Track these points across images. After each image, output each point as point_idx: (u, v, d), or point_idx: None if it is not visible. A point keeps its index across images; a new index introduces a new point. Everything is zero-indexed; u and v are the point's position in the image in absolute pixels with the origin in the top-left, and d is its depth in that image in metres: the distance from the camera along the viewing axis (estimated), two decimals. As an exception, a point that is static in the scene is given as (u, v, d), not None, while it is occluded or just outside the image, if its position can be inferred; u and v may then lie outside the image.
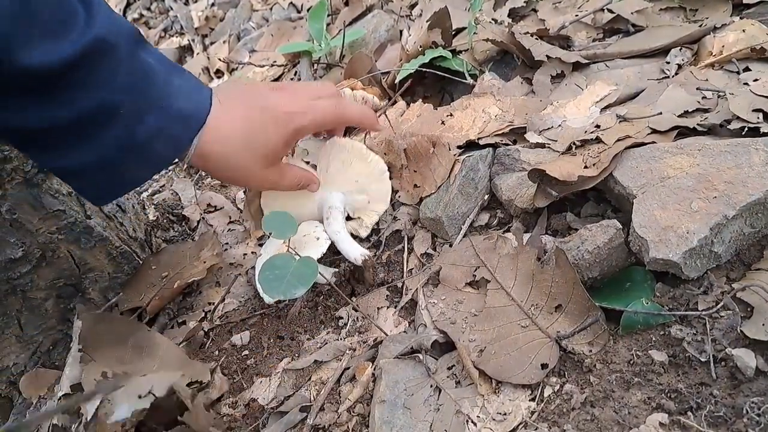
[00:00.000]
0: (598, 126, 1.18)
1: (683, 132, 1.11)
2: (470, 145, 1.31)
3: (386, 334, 1.11)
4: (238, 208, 1.74)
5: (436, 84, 1.67)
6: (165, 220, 1.69)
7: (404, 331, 1.11)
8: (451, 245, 1.21)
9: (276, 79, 2.18)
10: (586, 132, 1.18)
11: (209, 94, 0.96)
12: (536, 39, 1.51)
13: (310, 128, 1.07)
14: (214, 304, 1.38)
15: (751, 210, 0.91)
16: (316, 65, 2.04)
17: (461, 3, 1.82)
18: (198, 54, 2.69)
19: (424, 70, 1.57)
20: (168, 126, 0.90)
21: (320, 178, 1.22)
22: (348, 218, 1.24)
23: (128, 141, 0.87)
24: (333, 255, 1.36)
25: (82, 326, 1.24)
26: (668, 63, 1.35)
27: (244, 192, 1.55)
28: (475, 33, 1.59)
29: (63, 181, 0.96)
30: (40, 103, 0.80)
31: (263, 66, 2.26)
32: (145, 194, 1.92)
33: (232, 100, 1.00)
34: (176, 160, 0.96)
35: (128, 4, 3.44)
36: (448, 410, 0.92)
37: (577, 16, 1.58)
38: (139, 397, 1.07)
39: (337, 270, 1.26)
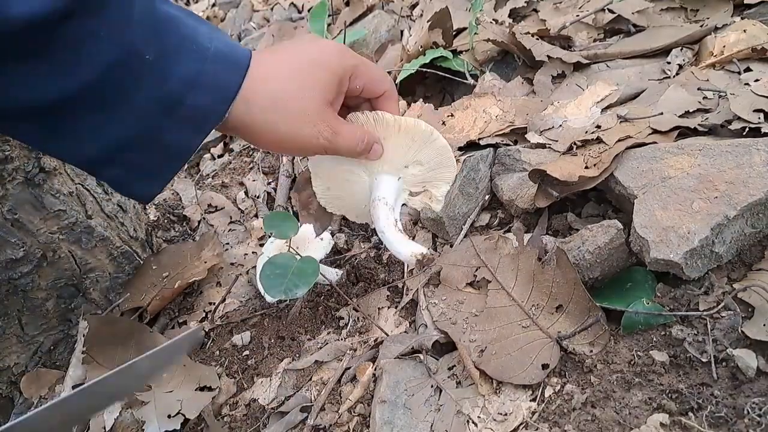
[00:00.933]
0: (599, 126, 1.18)
1: (684, 132, 1.11)
2: (471, 146, 1.31)
3: (387, 335, 1.11)
4: (239, 209, 1.74)
5: (436, 84, 1.67)
6: (166, 220, 1.69)
7: (405, 332, 1.11)
8: (451, 245, 1.21)
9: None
10: (587, 132, 1.18)
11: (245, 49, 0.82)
12: (537, 39, 1.51)
13: (363, 71, 0.90)
14: (214, 304, 1.38)
15: (752, 210, 0.91)
16: (316, 65, 2.03)
17: (462, 3, 1.82)
18: (199, 54, 2.68)
19: (424, 70, 1.58)
20: (207, 70, 0.77)
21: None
22: (412, 194, 1.04)
23: (162, 95, 0.75)
24: (334, 255, 1.36)
25: (88, 328, 1.25)
26: (669, 63, 1.35)
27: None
28: (476, 33, 1.59)
29: (104, 179, 0.81)
30: (49, 64, 0.67)
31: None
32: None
33: (270, 50, 0.87)
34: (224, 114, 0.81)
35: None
36: (448, 410, 0.92)
37: (578, 16, 1.58)
38: (169, 416, 1.08)
39: (342, 272, 1.27)
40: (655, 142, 1.08)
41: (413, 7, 2.10)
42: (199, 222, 1.72)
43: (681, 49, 1.37)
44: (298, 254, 1.08)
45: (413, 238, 1.28)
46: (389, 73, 1.68)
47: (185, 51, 0.76)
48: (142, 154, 0.77)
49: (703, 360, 0.86)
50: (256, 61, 0.81)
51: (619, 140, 1.10)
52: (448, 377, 0.97)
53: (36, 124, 0.72)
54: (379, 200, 0.96)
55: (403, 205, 1.01)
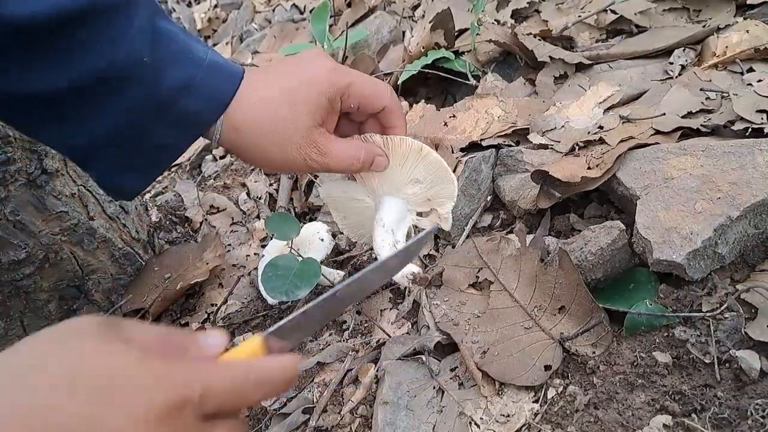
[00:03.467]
0: (601, 127, 1.18)
1: (687, 133, 1.11)
2: (473, 147, 1.31)
3: (389, 336, 1.11)
4: (241, 210, 1.74)
5: (438, 85, 1.67)
6: (168, 222, 1.69)
7: (407, 333, 1.11)
8: (453, 246, 1.21)
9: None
10: (589, 133, 1.18)
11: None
12: (539, 40, 1.50)
13: (356, 89, 0.86)
14: (216, 305, 1.38)
15: (755, 211, 0.91)
16: (318, 66, 2.03)
17: (464, 4, 1.82)
18: (201, 55, 2.69)
19: (426, 71, 1.57)
20: (202, 76, 0.78)
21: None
22: (420, 215, 1.00)
23: (155, 96, 0.76)
24: (335, 256, 1.36)
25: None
26: (672, 64, 1.35)
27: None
28: (478, 34, 1.59)
29: (92, 171, 0.81)
30: (42, 62, 0.69)
31: (266, 67, 2.26)
32: (147, 195, 1.92)
33: (263, 69, 0.87)
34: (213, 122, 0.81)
35: (131, 6, 3.45)
36: (451, 412, 0.92)
37: (580, 16, 1.57)
38: None
39: (344, 273, 1.26)
40: (658, 143, 1.08)
41: (415, 7, 2.10)
42: (201, 223, 1.72)
43: (683, 50, 1.37)
44: (300, 255, 1.08)
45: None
46: (391, 74, 1.68)
47: (181, 58, 0.77)
48: (131, 150, 0.78)
49: (706, 361, 0.86)
50: (248, 79, 0.82)
51: (621, 141, 1.10)
52: (451, 379, 0.97)
53: (28, 112, 0.74)
54: (377, 222, 0.94)
55: (415, 227, 0.99)
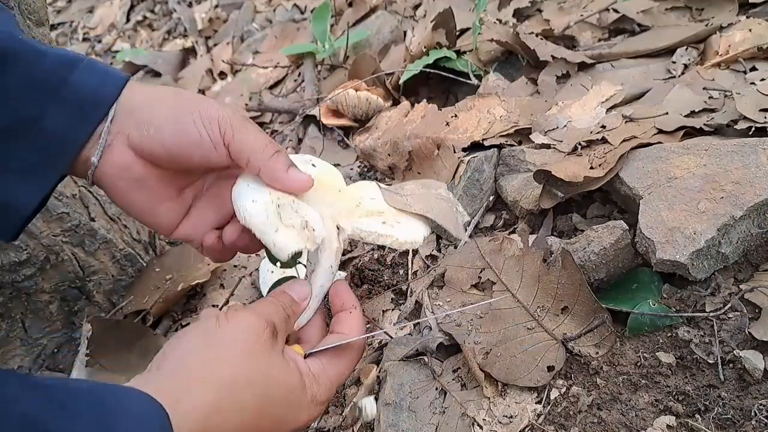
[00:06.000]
0: (603, 126, 1.17)
1: (690, 132, 1.11)
2: (475, 146, 1.30)
3: (391, 337, 1.11)
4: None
5: (440, 85, 1.67)
6: (169, 223, 1.68)
7: (409, 334, 1.10)
8: (456, 247, 1.21)
9: (279, 81, 2.18)
10: (591, 132, 1.18)
11: None
12: (541, 39, 1.50)
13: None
14: (218, 306, 1.37)
15: (758, 210, 0.91)
16: (319, 66, 2.04)
17: (465, 3, 1.82)
18: (201, 56, 2.69)
19: (428, 70, 1.57)
20: (88, 60, 0.73)
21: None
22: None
23: (40, 74, 0.68)
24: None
25: (92, 331, 1.24)
26: (674, 63, 1.34)
27: None
28: (479, 33, 1.59)
29: None
30: None
31: (266, 68, 2.26)
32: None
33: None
34: None
35: (132, 6, 3.46)
36: (453, 413, 0.91)
37: (582, 16, 1.57)
38: None
39: (346, 273, 1.26)
40: (661, 142, 1.08)
41: (416, 7, 2.09)
42: (202, 224, 1.71)
43: (686, 49, 1.37)
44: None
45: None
46: (392, 73, 1.68)
47: (60, 49, 0.72)
48: (21, 147, 0.69)
49: (710, 361, 0.85)
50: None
51: (624, 140, 1.10)
52: (453, 379, 0.97)
53: None
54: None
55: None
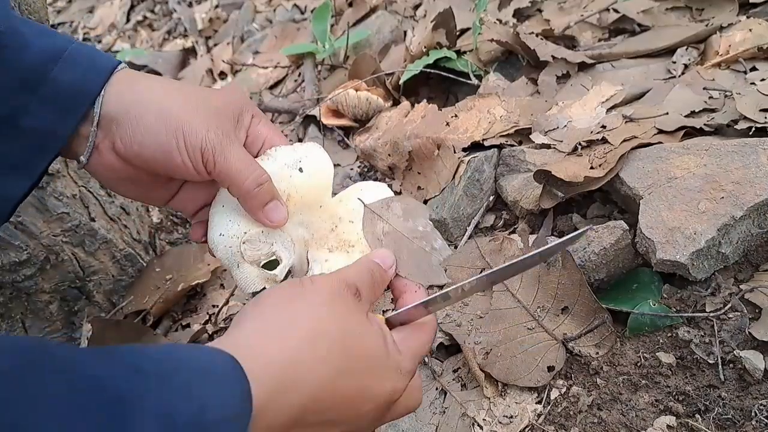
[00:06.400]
0: (604, 126, 1.17)
1: (690, 132, 1.11)
2: (475, 146, 1.30)
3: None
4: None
5: (440, 85, 1.67)
6: (169, 223, 1.69)
7: (409, 334, 1.10)
8: (456, 247, 1.21)
9: (279, 81, 2.18)
10: (591, 132, 1.18)
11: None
12: (541, 39, 1.50)
13: (263, 120, 0.80)
14: (218, 306, 1.37)
15: (759, 210, 0.91)
16: (320, 66, 2.03)
17: (466, 3, 1.81)
18: (202, 56, 2.69)
19: (428, 71, 1.57)
20: (75, 46, 0.70)
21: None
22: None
23: (20, 68, 0.67)
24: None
25: (92, 331, 1.24)
26: (674, 63, 1.34)
27: None
28: (479, 33, 1.59)
29: None
30: None
31: (267, 68, 2.26)
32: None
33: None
34: None
35: (132, 6, 3.45)
36: (453, 413, 0.91)
37: (582, 16, 1.57)
38: None
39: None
40: (661, 142, 1.08)
41: (416, 7, 2.09)
42: (202, 224, 1.71)
43: (686, 49, 1.37)
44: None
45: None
46: (392, 73, 1.68)
47: (47, 32, 0.69)
48: (2, 143, 0.69)
49: (710, 361, 0.85)
50: (132, 71, 0.73)
51: (624, 140, 1.10)
52: (453, 380, 0.97)
53: None
54: None
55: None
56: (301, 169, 0.79)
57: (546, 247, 0.68)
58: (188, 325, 1.37)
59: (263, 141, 0.78)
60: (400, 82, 1.63)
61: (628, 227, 0.98)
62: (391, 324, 0.70)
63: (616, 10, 1.54)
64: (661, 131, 1.11)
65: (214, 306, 1.39)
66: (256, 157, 0.77)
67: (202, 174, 0.71)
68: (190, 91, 0.73)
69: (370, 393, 0.62)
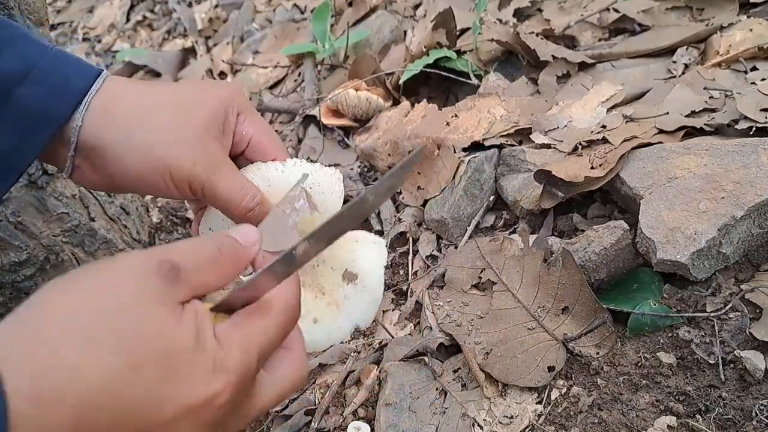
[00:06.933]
0: (604, 126, 1.17)
1: (690, 132, 1.10)
2: (475, 146, 1.30)
3: (392, 337, 1.10)
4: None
5: (440, 85, 1.66)
6: (169, 223, 1.68)
7: (409, 334, 1.10)
8: (456, 247, 1.21)
9: (279, 81, 2.18)
10: (592, 132, 1.17)
11: None
12: (541, 39, 1.50)
13: (253, 118, 0.75)
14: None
15: (759, 210, 0.91)
16: (319, 66, 2.03)
17: (466, 3, 1.81)
18: (201, 56, 2.69)
19: (428, 70, 1.57)
20: (45, 63, 0.65)
21: None
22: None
23: None
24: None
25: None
26: (675, 62, 1.34)
27: None
28: (479, 33, 1.59)
29: None
30: None
31: (266, 68, 2.26)
32: (148, 196, 1.91)
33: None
34: None
35: (132, 6, 3.45)
36: (454, 413, 0.91)
37: (582, 15, 1.57)
38: None
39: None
40: (661, 142, 1.08)
41: (416, 7, 2.09)
42: (202, 224, 1.71)
43: (687, 49, 1.37)
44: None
45: (418, 240, 1.28)
46: (392, 73, 1.68)
47: (16, 42, 0.64)
48: None
49: (711, 362, 0.85)
50: (117, 79, 0.69)
51: (624, 140, 1.09)
52: (453, 380, 0.97)
53: None
54: None
55: None
56: (301, 204, 0.71)
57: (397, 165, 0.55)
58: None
59: (248, 140, 0.73)
60: (400, 81, 1.63)
61: (628, 227, 0.98)
62: (232, 307, 0.58)
63: (616, 10, 1.54)
64: (661, 131, 1.11)
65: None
66: (241, 154, 0.73)
67: (194, 197, 0.69)
68: (173, 107, 0.68)
69: (169, 400, 0.48)
